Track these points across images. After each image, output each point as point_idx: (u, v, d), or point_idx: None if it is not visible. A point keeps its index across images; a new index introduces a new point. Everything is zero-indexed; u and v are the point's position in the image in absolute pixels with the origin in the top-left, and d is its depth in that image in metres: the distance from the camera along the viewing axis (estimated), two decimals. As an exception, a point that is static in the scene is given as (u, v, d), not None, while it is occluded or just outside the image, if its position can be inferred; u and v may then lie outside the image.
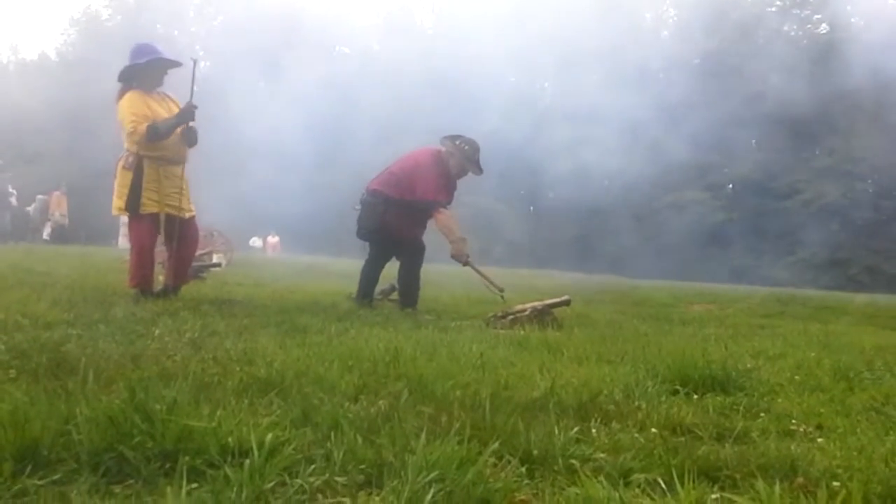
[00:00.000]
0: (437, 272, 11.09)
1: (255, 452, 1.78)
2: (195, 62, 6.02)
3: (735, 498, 1.79)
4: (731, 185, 44.60)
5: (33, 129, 40.24)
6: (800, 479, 1.98)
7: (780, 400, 3.19)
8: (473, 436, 2.07)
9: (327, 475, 1.78)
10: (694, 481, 1.85)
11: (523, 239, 42.32)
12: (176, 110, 5.97)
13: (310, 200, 37.74)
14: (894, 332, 8.68)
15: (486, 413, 2.35)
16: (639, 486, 1.90)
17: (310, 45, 44.18)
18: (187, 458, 1.78)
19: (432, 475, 1.74)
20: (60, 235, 23.52)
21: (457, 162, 7.10)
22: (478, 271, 7.06)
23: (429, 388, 2.75)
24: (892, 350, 5.48)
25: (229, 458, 1.80)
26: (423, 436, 1.97)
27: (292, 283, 11.15)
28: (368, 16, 51.90)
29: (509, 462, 1.99)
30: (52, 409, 2.02)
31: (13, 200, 21.68)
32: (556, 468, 2.01)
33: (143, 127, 5.74)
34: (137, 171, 5.85)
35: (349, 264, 13.76)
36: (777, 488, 1.76)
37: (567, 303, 6.72)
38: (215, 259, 12.52)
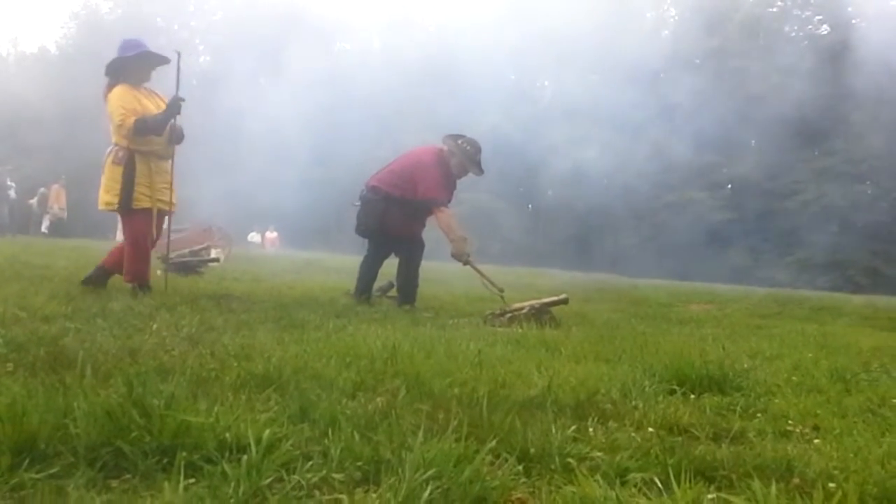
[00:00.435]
0: (436, 269, 11.09)
1: (253, 448, 1.78)
2: (179, 55, 5.99)
3: (731, 498, 1.79)
4: (730, 185, 44.61)
5: (32, 122, 40.21)
6: (796, 480, 1.99)
7: (776, 400, 3.19)
8: (470, 433, 2.08)
9: (325, 472, 1.78)
10: (690, 481, 1.86)
11: (522, 237, 42.36)
12: (163, 106, 5.94)
13: (309, 196, 37.74)
14: (892, 333, 8.69)
15: (484, 411, 2.35)
16: (635, 486, 1.90)
17: (309, 41, 44.11)
18: (185, 453, 1.78)
19: (429, 472, 1.75)
20: (59, 228, 23.50)
21: (458, 162, 7.10)
22: (478, 271, 7.06)
23: (426, 386, 2.75)
24: (889, 351, 5.49)
25: (227, 454, 1.80)
26: (421, 433, 1.98)
27: (290, 278, 11.15)
28: (368, 11, 51.73)
29: (506, 460, 1.99)
30: (50, 403, 2.02)
31: (12, 193, 21.64)
32: (552, 467, 2.01)
33: (130, 120, 5.71)
34: (129, 166, 5.82)
35: (348, 260, 13.77)
36: (773, 489, 1.76)
37: (565, 301, 6.72)
38: (213, 254, 12.50)
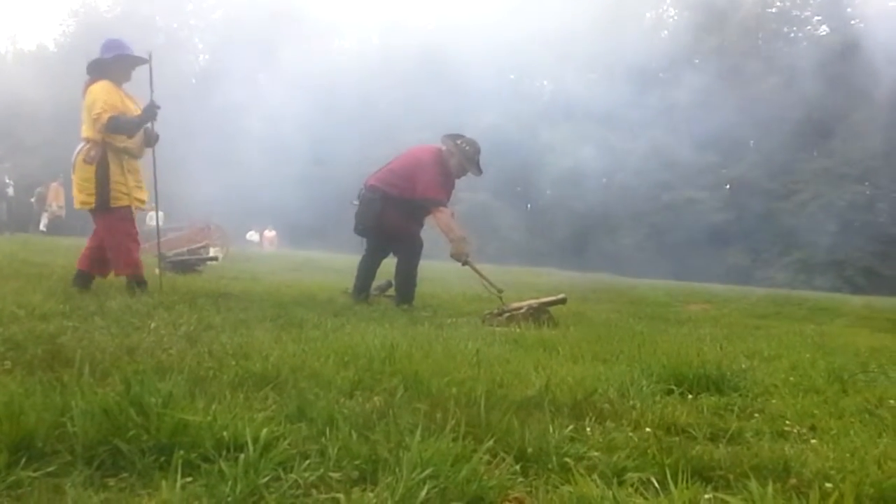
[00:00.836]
0: (434, 269, 11.09)
1: (250, 447, 1.78)
2: (150, 55, 5.97)
3: (728, 498, 1.80)
4: (728, 186, 44.65)
5: (31, 120, 40.19)
6: (793, 480, 1.99)
7: (774, 401, 3.20)
8: (468, 433, 2.08)
9: (322, 470, 1.78)
10: (687, 481, 1.86)
11: (520, 237, 42.35)
12: (138, 111, 5.91)
13: (307, 195, 37.72)
14: (889, 334, 8.70)
15: (481, 410, 2.35)
16: (632, 486, 1.90)
17: (308, 39, 44.12)
18: (182, 451, 1.78)
19: (427, 472, 1.75)
20: (57, 226, 23.47)
21: (457, 162, 7.09)
22: (476, 271, 7.05)
23: (424, 385, 2.75)
24: (886, 352, 5.49)
25: (224, 453, 1.80)
26: (418, 432, 1.98)
27: (289, 277, 11.16)
28: (367, 10, 51.74)
29: (503, 460, 1.99)
30: (48, 402, 2.02)
31: (10, 191, 21.63)
32: (550, 466, 2.01)
33: (106, 116, 5.66)
34: (101, 164, 5.77)
35: (346, 259, 13.77)
36: (770, 489, 1.77)
37: (563, 301, 6.72)
38: (212, 253, 12.51)
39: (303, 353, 3.25)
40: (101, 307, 4.49)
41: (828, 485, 1.91)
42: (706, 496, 1.82)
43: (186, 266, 9.81)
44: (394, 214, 7.00)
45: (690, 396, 3.16)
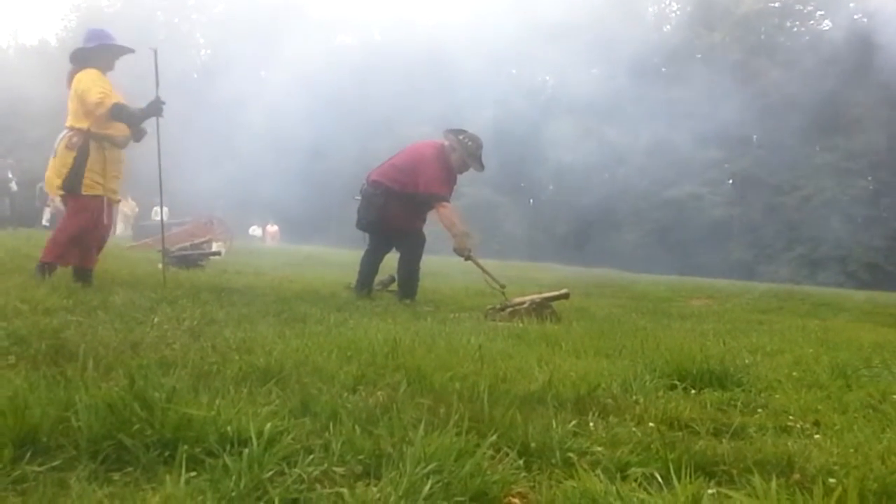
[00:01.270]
0: (437, 264, 11.09)
1: (254, 441, 1.78)
2: (155, 52, 5.95)
3: (731, 493, 1.80)
4: (731, 181, 44.60)
5: (33, 115, 40.16)
6: (796, 476, 1.99)
7: (777, 396, 3.20)
8: (471, 428, 2.08)
9: (326, 465, 1.78)
10: (691, 476, 1.86)
11: (523, 232, 42.33)
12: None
13: (310, 190, 37.73)
14: (892, 329, 8.70)
15: (485, 405, 2.35)
16: (636, 481, 1.90)
17: (310, 34, 44.04)
18: (186, 446, 1.78)
19: (430, 467, 1.75)
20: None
21: (459, 157, 7.09)
22: (479, 266, 7.05)
23: (427, 380, 2.75)
24: (889, 347, 5.49)
25: (228, 447, 1.80)
26: (422, 427, 1.98)
27: (292, 272, 11.16)
28: (369, 5, 51.64)
29: (507, 454, 1.99)
30: (52, 396, 2.02)
31: (13, 186, 21.61)
32: (553, 461, 2.01)
33: (111, 101, 5.63)
34: (82, 151, 5.74)
35: (348, 254, 13.76)
36: (773, 484, 1.76)
37: (566, 296, 6.73)
38: (215, 247, 12.52)
39: (306, 348, 3.25)
40: (105, 302, 4.49)
41: (831, 480, 1.91)
42: (709, 491, 1.82)
43: (189, 261, 9.81)
44: (396, 209, 7.00)
45: (693, 391, 3.16)
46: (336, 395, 2.38)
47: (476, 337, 4.09)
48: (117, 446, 1.80)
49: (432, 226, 7.28)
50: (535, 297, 6.46)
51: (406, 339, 3.64)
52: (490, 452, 1.96)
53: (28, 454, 1.72)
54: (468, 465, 1.80)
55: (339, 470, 1.78)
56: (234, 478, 1.63)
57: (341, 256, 15.79)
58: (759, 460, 2.09)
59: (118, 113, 5.69)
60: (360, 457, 1.86)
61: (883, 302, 13.33)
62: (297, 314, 4.79)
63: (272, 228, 33.22)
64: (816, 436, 2.51)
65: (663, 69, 45.82)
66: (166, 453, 1.79)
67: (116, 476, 1.70)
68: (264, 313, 4.70)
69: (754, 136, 43.84)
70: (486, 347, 3.66)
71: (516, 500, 1.78)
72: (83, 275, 5.83)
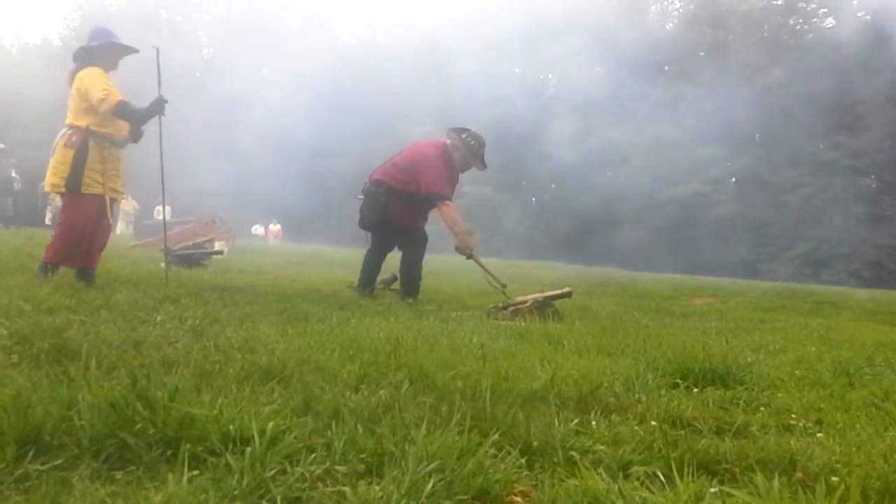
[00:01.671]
0: (440, 262, 11.10)
1: (257, 440, 1.78)
2: (158, 51, 5.95)
3: (734, 492, 1.79)
4: (734, 179, 44.54)
5: (36, 114, 40.21)
6: (799, 474, 1.99)
7: (780, 394, 3.19)
8: (474, 426, 2.08)
9: (328, 464, 1.78)
10: (693, 475, 1.86)
11: (524, 230, 42.32)
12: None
13: (312, 188, 37.75)
14: (895, 327, 8.68)
15: (487, 404, 2.35)
16: (638, 479, 1.90)
17: (313, 33, 44.07)
18: (189, 445, 1.78)
19: (432, 465, 1.75)
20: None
21: (461, 156, 7.09)
22: (481, 265, 7.05)
23: (429, 379, 2.75)
24: (892, 346, 5.48)
25: (230, 446, 1.80)
26: (424, 426, 1.98)
27: (294, 271, 11.17)
28: (372, 4, 51.66)
29: (509, 453, 1.99)
30: (54, 395, 2.02)
31: (16, 185, 21.63)
32: (555, 460, 2.01)
33: (115, 98, 5.62)
34: (81, 149, 5.72)
35: (351, 253, 13.77)
36: (776, 483, 1.76)
37: (568, 295, 6.73)
38: (217, 246, 12.53)
39: (308, 347, 3.25)
40: (108, 301, 4.50)
41: (834, 478, 1.91)
42: (712, 490, 1.82)
43: (192, 260, 9.82)
44: (399, 208, 7.00)
45: (696, 390, 3.15)
46: (338, 394, 2.38)
47: (478, 336, 4.09)
48: (120, 445, 1.80)
49: (434, 224, 7.28)
50: (538, 295, 6.46)
51: (408, 338, 3.64)
52: (492, 451, 1.96)
53: (31, 453, 1.72)
54: (470, 463, 1.80)
55: (342, 469, 1.78)
56: (236, 476, 1.64)
57: (343, 255, 15.80)
58: (761, 459, 2.09)
59: (122, 110, 5.68)
60: (363, 455, 1.86)
61: (886, 300, 13.32)
62: (300, 313, 4.79)
63: (274, 227, 33.26)
64: (819, 434, 2.51)
65: (666, 67, 45.80)
66: (169, 452, 1.79)
67: (119, 475, 1.70)
68: (266, 312, 4.71)
69: (757, 135, 43.78)
70: (489, 346, 3.66)
71: (518, 499, 1.79)
72: (86, 274, 5.84)
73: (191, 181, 27.98)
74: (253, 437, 1.80)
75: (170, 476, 1.64)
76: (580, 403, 2.65)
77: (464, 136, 7.13)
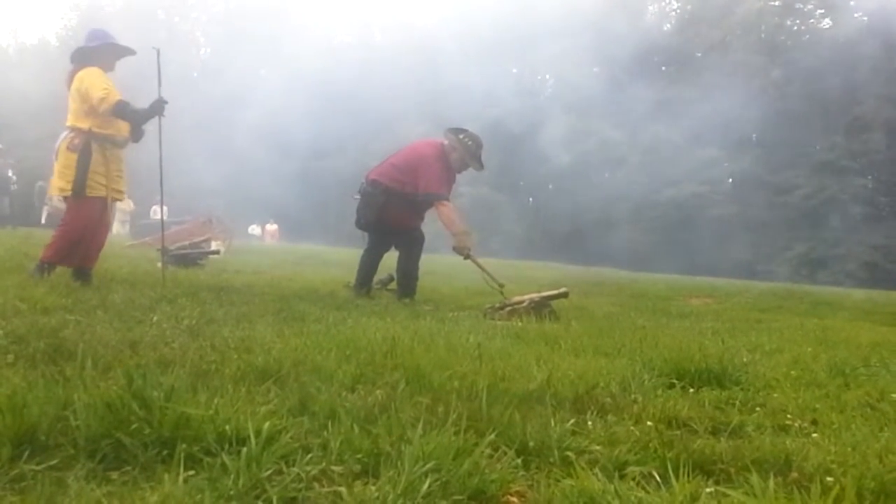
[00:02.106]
0: (436, 262, 11.10)
1: (253, 440, 1.78)
2: (158, 52, 5.94)
3: (729, 492, 1.80)
4: (730, 180, 44.59)
5: (33, 114, 40.12)
6: (794, 474, 1.99)
7: (775, 395, 3.20)
8: (470, 427, 2.08)
9: (324, 464, 1.78)
10: (689, 475, 1.86)
11: (521, 230, 42.34)
12: None
13: (308, 188, 37.72)
14: (891, 328, 8.69)
15: (483, 404, 2.35)
16: (634, 479, 1.91)
17: (310, 34, 44.05)
18: (184, 445, 1.78)
19: (428, 465, 1.75)
20: (56, 220, 23.38)
21: (458, 156, 7.09)
22: (478, 265, 7.05)
23: (426, 379, 2.75)
24: (888, 346, 5.49)
25: (226, 446, 1.80)
26: (420, 426, 1.98)
27: (291, 271, 11.16)
28: (369, 4, 51.63)
29: (505, 453, 1.99)
30: (50, 395, 2.02)
31: (13, 185, 21.62)
32: (551, 460, 2.02)
33: (115, 97, 5.62)
34: (84, 152, 5.72)
35: (347, 253, 13.76)
36: (771, 483, 1.77)
37: (565, 295, 6.73)
38: (214, 246, 12.51)
39: (305, 347, 3.25)
40: (104, 301, 4.49)
41: (829, 479, 1.91)
42: (707, 490, 1.82)
43: (189, 259, 9.80)
44: (395, 208, 7.00)
45: (692, 390, 3.16)
46: (334, 394, 2.38)
47: (475, 336, 4.09)
48: (116, 445, 1.80)
49: (431, 224, 7.28)
50: (535, 295, 6.46)
51: (405, 338, 3.63)
52: (488, 451, 1.96)
53: (26, 453, 1.72)
54: (466, 463, 1.80)
55: (338, 469, 1.78)
56: (232, 476, 1.64)
57: (340, 255, 15.79)
58: (757, 459, 2.09)
59: (122, 110, 5.68)
60: (359, 455, 1.86)
61: (881, 301, 13.34)
62: (296, 313, 4.79)
63: (271, 227, 33.24)
64: (814, 434, 2.51)
65: (664, 68, 45.84)
66: (164, 452, 1.79)
67: (115, 475, 1.70)
68: (263, 312, 4.70)
69: (754, 135, 43.83)
70: (485, 346, 3.66)
71: (514, 499, 1.79)
72: (82, 274, 5.83)
73: (188, 181, 27.93)
74: (249, 437, 1.81)
75: (166, 476, 1.64)
76: (576, 404, 2.65)
77: (461, 136, 7.12)
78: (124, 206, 22.47)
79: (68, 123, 5.83)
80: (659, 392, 3.02)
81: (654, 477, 1.91)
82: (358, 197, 7.27)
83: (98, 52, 5.88)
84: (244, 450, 1.74)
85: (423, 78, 41.92)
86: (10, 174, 21.28)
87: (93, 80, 5.70)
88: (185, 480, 1.63)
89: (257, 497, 1.61)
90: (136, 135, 5.99)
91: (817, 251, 38.46)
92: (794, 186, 41.02)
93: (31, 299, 4.15)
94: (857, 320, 9.88)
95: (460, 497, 1.71)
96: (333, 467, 1.78)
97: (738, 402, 2.97)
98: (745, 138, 43.32)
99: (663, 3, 51.11)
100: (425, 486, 1.67)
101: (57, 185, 5.86)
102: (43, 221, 23.04)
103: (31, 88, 39.96)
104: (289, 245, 25.50)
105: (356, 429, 2.00)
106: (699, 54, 44.40)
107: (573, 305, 7.43)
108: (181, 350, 3.00)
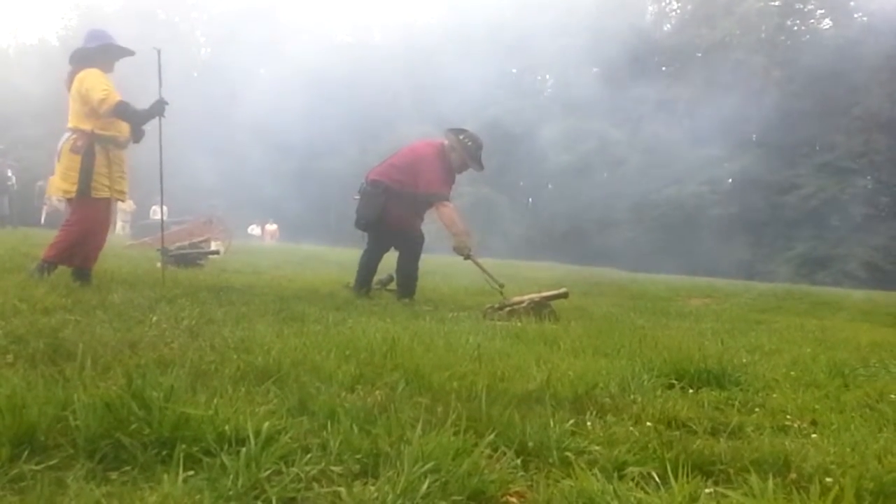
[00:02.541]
0: (436, 263, 11.10)
1: (252, 441, 1.78)
2: (159, 52, 5.94)
3: (728, 492, 1.80)
4: (730, 180, 44.55)
5: (33, 114, 40.11)
6: (793, 475, 2.00)
7: (774, 395, 3.20)
8: (469, 427, 2.08)
9: (323, 464, 1.79)
10: (688, 475, 1.86)
11: (521, 231, 42.31)
12: None
13: (308, 188, 37.72)
14: (890, 328, 8.71)
15: (482, 404, 2.35)
16: (633, 480, 1.91)
17: (310, 34, 44.05)
18: (184, 445, 1.79)
19: (428, 466, 1.75)
20: (55, 220, 23.38)
21: (458, 157, 7.09)
22: (479, 265, 7.06)
23: (425, 379, 2.75)
24: (887, 346, 5.50)
25: (226, 446, 1.81)
26: (419, 426, 1.98)
27: (290, 271, 11.16)
28: (370, 4, 51.68)
29: (504, 454, 1.99)
30: (50, 395, 2.02)
31: (13, 185, 21.60)
32: (550, 460, 2.02)
33: (115, 98, 5.61)
34: (88, 154, 5.72)
35: (347, 253, 13.76)
36: (770, 483, 1.77)
37: (565, 295, 6.73)
38: (213, 246, 12.51)
39: (304, 347, 3.25)
40: (103, 301, 4.49)
41: (828, 479, 1.91)
42: (707, 490, 1.82)
43: (188, 260, 9.80)
44: (396, 209, 7.00)
45: (691, 391, 3.16)
46: (334, 395, 2.39)
47: (474, 336, 4.09)
48: (115, 445, 1.80)
49: (431, 225, 7.28)
50: (534, 296, 6.46)
51: (404, 339, 3.64)
52: (488, 452, 1.96)
53: (26, 453, 1.72)
54: (466, 464, 1.81)
55: (337, 469, 1.78)
56: (231, 477, 1.64)
57: (340, 255, 15.79)
58: (756, 459, 2.09)
59: (122, 111, 5.68)
60: (358, 456, 1.86)
61: (881, 301, 13.34)
62: (296, 313, 4.79)
63: (271, 227, 33.25)
64: (814, 435, 2.51)
65: (664, 68, 45.83)
66: (164, 452, 1.79)
67: (114, 475, 1.70)
68: (263, 312, 4.70)
69: (754, 136, 43.78)
70: (485, 347, 3.67)
71: (514, 500, 1.79)
72: (82, 274, 5.83)
73: (188, 181, 27.90)
74: (248, 437, 1.81)
75: (165, 476, 1.64)
76: (576, 404, 2.65)
77: (461, 137, 7.13)
78: (125, 207, 22.50)
79: (70, 125, 5.83)
80: (658, 392, 3.02)
81: (653, 477, 1.91)
82: (358, 197, 7.27)
83: (97, 53, 5.88)
84: (243, 450, 1.74)
85: (423, 78, 41.89)
86: (9, 174, 21.26)
87: (93, 81, 5.70)
88: (185, 480, 1.63)
89: (256, 497, 1.61)
90: (137, 135, 5.99)
91: (817, 251, 38.42)
92: (794, 186, 40.97)
93: (30, 299, 4.15)
94: (857, 321, 9.89)
95: (459, 497, 1.71)
96: (333, 467, 1.78)
97: (737, 403, 2.98)
98: (746, 138, 43.26)
99: (663, 3, 51.09)
100: (424, 487, 1.67)
101: (60, 186, 5.87)
102: (42, 221, 23.05)
103: (31, 88, 39.95)
104: (288, 245, 25.50)
105: (355, 429, 2.01)
106: (699, 54, 44.36)
107: (573, 306, 7.43)
108: (181, 350, 3.00)
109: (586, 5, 41.78)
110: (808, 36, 44.11)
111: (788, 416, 2.80)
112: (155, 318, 3.88)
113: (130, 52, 6.01)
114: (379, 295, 7.23)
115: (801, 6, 45.55)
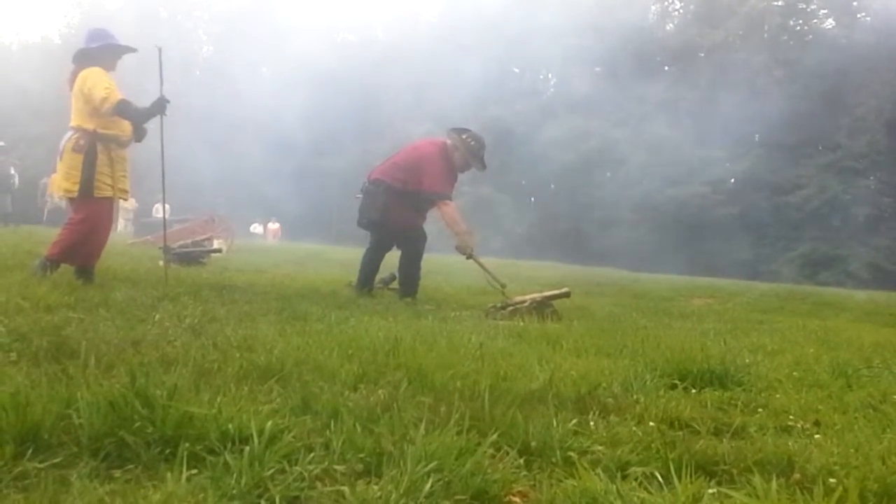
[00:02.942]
0: (438, 262, 11.10)
1: (255, 439, 1.78)
2: (160, 50, 5.94)
3: (732, 493, 1.80)
4: (732, 180, 44.50)
5: (36, 112, 40.15)
6: (796, 476, 1.99)
7: (778, 396, 3.20)
8: (472, 427, 2.08)
9: (326, 463, 1.79)
10: (691, 476, 1.86)
11: (523, 230, 42.29)
12: None
13: (311, 187, 37.73)
14: (893, 329, 8.70)
15: (485, 404, 2.35)
16: (636, 480, 1.91)
17: (313, 32, 44.05)
18: (187, 444, 1.79)
19: (431, 465, 1.75)
20: (57, 218, 23.40)
21: (461, 156, 7.09)
22: (481, 265, 7.06)
23: (428, 379, 2.75)
24: (890, 347, 5.49)
25: (229, 445, 1.81)
26: (422, 426, 1.98)
27: (293, 270, 11.17)
28: (373, 3, 51.66)
29: (507, 453, 1.99)
30: (53, 393, 2.02)
31: (15, 182, 21.62)
32: (553, 460, 2.02)
33: (117, 97, 5.62)
34: (90, 153, 5.71)
35: (350, 252, 13.77)
36: (774, 484, 1.77)
37: (567, 295, 6.73)
38: (216, 245, 12.51)
39: (307, 346, 3.25)
40: (106, 299, 4.49)
41: (832, 480, 1.91)
42: (710, 491, 1.82)
43: (191, 258, 9.81)
44: (398, 208, 7.00)
45: (694, 391, 3.16)
46: (337, 394, 2.39)
47: (477, 336, 4.09)
48: (118, 444, 1.80)
49: (433, 224, 7.29)
50: (536, 295, 6.46)
51: (407, 338, 3.64)
52: (491, 451, 1.96)
53: (29, 451, 1.72)
54: (469, 463, 1.81)
55: (340, 468, 1.78)
56: (234, 475, 1.64)
57: (342, 254, 15.80)
58: (759, 460, 2.09)
59: (123, 110, 5.68)
60: (361, 455, 1.86)
61: (884, 302, 13.33)
62: (298, 312, 4.78)
63: (273, 226, 33.26)
64: (817, 436, 2.51)
65: (666, 68, 45.78)
66: (167, 451, 1.79)
67: (118, 473, 1.70)
68: (265, 311, 4.70)
69: (757, 136, 43.73)
70: (487, 346, 3.66)
71: (517, 499, 1.79)
72: (85, 272, 5.83)
73: (190, 179, 27.93)
74: (251, 436, 1.81)
75: (168, 475, 1.64)
76: (578, 404, 2.65)
77: (464, 136, 7.13)
78: (127, 205, 22.52)
79: (73, 124, 5.83)
80: (661, 392, 3.02)
81: (656, 477, 1.91)
82: (360, 196, 7.27)
83: (99, 52, 5.88)
84: (247, 449, 1.74)
85: (425, 76, 41.88)
86: (11, 171, 21.27)
87: (95, 80, 5.70)
88: (188, 479, 1.63)
89: (260, 496, 1.61)
90: (139, 134, 6.00)
91: (820, 252, 38.38)
92: (796, 187, 40.92)
93: (33, 297, 4.15)
94: (860, 321, 9.89)
95: (463, 497, 1.71)
96: (336, 466, 1.78)
97: (740, 403, 2.97)
98: (748, 138, 43.22)
99: (666, 3, 51.03)
100: (428, 486, 1.67)
101: (63, 186, 5.87)
102: (44, 219, 23.07)
103: (33, 86, 39.98)
104: (291, 244, 25.51)
105: (359, 428, 2.00)
106: (702, 54, 44.32)
107: (575, 305, 7.43)
108: (184, 349, 3.00)
109: (589, 4, 41.74)
110: (810, 36, 44.04)
111: (791, 417, 2.79)
112: (158, 317, 3.88)
113: (132, 50, 6.01)
114: (381, 294, 7.24)
115: (804, 6, 45.50)
